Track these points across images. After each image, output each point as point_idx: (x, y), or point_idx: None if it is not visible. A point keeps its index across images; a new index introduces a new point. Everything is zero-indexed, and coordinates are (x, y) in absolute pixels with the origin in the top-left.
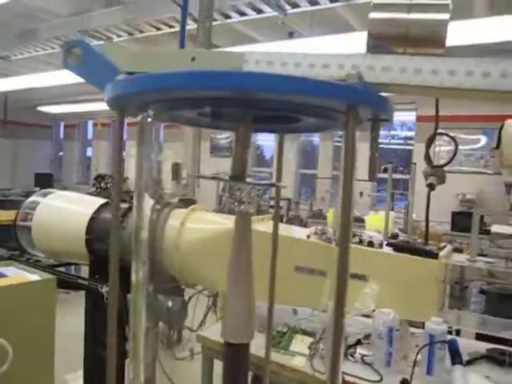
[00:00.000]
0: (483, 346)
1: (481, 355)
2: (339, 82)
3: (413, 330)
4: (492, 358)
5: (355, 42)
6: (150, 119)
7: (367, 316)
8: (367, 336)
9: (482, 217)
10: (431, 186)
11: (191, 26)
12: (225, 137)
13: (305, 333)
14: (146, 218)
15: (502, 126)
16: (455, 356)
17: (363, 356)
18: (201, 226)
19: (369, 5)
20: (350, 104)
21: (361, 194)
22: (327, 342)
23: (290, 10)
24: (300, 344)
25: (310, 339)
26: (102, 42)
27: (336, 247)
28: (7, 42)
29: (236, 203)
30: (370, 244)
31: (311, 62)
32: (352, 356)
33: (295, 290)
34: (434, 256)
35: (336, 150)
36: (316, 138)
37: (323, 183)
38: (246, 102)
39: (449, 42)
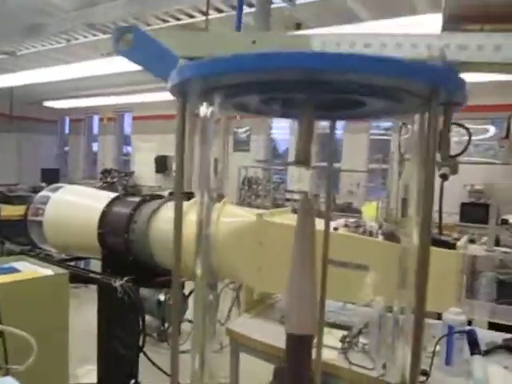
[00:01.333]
0: (499, 336)
1: (498, 345)
2: (423, 63)
3: (428, 320)
4: (509, 348)
5: (364, 31)
6: (212, 108)
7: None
8: (366, 325)
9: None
10: (444, 177)
11: (199, 18)
12: (244, 130)
13: (334, 326)
14: (203, 213)
15: (510, 116)
16: (474, 346)
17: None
18: (230, 219)
19: None
20: (435, 86)
21: (358, 185)
22: (371, 337)
23: (298, 0)
24: (327, 336)
25: (340, 332)
26: (109, 36)
27: (374, 239)
28: (13, 37)
29: (253, 196)
30: (371, 234)
31: (383, 41)
32: (356, 345)
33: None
34: (452, 247)
35: (371, 143)
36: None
37: (351, 176)
38: (318, 85)
39: None
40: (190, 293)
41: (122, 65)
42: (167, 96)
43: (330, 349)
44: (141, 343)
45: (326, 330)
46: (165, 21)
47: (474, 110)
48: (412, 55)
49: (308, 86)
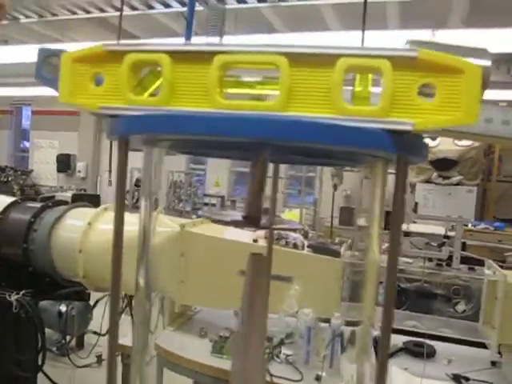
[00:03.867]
0: (399, 339)
1: (399, 348)
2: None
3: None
4: (409, 350)
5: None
6: (157, 152)
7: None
8: (288, 335)
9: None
10: (335, 187)
11: (111, 13)
12: None
13: None
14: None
15: None
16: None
17: (287, 356)
18: (160, 229)
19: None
20: (401, 154)
21: None
22: (298, 348)
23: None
24: None
25: None
26: (5, 22)
27: (299, 252)
28: None
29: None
30: (295, 246)
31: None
32: (277, 356)
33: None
34: (337, 255)
35: None
36: None
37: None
38: (273, 147)
39: None
40: (96, 303)
41: (20, 53)
42: None
43: None
44: (40, 362)
45: None
46: (73, 12)
47: None
48: None
49: (262, 146)
